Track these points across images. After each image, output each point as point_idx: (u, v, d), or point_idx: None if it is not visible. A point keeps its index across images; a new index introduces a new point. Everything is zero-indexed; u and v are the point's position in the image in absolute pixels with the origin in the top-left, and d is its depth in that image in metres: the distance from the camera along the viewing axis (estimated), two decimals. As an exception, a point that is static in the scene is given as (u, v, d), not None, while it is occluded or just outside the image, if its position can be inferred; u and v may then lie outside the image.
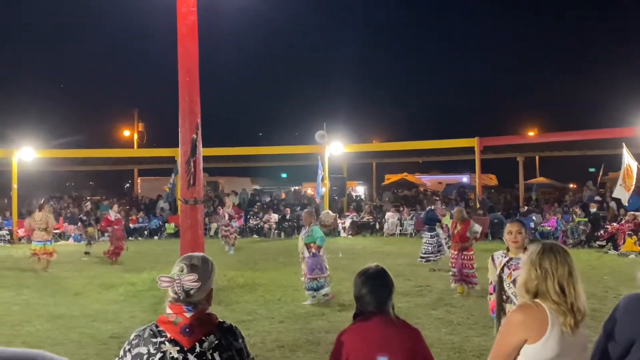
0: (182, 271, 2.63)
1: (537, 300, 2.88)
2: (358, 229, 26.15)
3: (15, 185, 25.76)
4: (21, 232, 24.93)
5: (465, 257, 11.67)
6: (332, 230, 25.61)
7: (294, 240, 23.97)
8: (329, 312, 10.06)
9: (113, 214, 17.84)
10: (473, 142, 25.82)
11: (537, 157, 37.89)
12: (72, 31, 69.79)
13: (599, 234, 20.13)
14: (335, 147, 27.31)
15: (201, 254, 2.81)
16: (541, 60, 71.90)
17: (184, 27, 12.59)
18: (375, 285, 3.20)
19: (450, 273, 12.00)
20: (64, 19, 67.75)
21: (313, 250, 11.03)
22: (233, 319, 9.37)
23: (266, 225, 26.37)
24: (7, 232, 24.83)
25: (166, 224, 26.82)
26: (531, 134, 34.86)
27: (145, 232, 26.25)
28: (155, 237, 26.16)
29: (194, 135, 12.52)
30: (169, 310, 2.61)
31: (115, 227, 17.52)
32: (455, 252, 11.91)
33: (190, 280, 2.59)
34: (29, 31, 67.18)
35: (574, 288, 2.89)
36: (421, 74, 79.20)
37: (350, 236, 25.31)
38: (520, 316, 2.90)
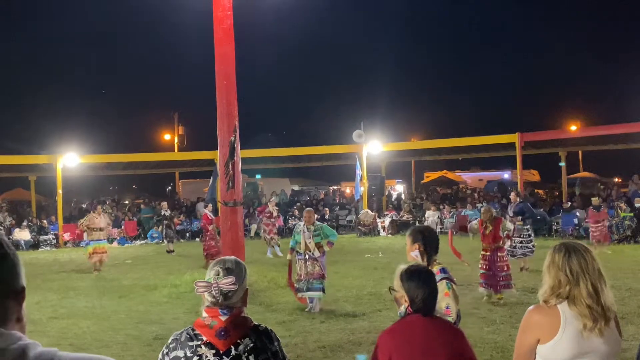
0: (218, 275, 2.66)
1: (551, 301, 2.85)
2: (398, 228, 26.03)
3: (60, 191, 26.34)
4: (67, 236, 25.51)
5: (500, 259, 10.75)
6: (371, 230, 25.59)
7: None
8: (370, 312, 10.04)
9: (209, 214, 18.11)
10: (514, 137, 25.47)
11: (580, 152, 37.19)
12: (112, 38, 71.04)
13: (645, 229, 19.69)
14: (373, 146, 27.25)
15: (233, 257, 2.85)
16: (582, 52, 70.57)
17: (220, 31, 12.72)
18: (420, 283, 3.17)
19: (480, 275, 11.06)
20: (105, 27, 69.05)
21: (326, 248, 10.55)
22: (274, 320, 9.45)
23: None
24: (53, 236, 25.40)
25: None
26: (573, 128, 34.21)
27: (187, 234, 26.57)
28: (197, 239, 26.44)
29: (232, 138, 12.64)
30: (204, 314, 2.65)
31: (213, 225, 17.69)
32: (488, 254, 10.88)
33: (227, 283, 2.62)
34: (70, 39, 68.57)
35: (604, 288, 2.84)
36: (460, 70, 78.50)
37: (389, 235, 25.19)
38: (533, 316, 2.92)
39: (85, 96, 57.47)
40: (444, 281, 3.99)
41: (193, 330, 2.63)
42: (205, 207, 19.27)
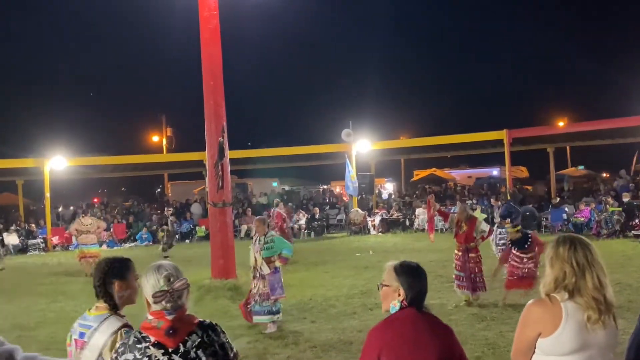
0: (169, 280, 2.75)
1: (553, 295, 2.85)
2: (388, 226, 26.04)
3: (48, 194, 26.16)
4: (55, 240, 25.33)
5: (472, 260, 10.30)
6: (361, 229, 25.60)
7: (324, 240, 24.03)
8: (361, 311, 10.04)
9: (283, 212, 17.99)
10: (502, 134, 25.53)
11: (568, 147, 37.34)
12: (98, 39, 70.72)
13: (633, 223, 19.76)
14: (362, 145, 27.27)
15: (166, 261, 2.94)
16: (568, 47, 70.83)
17: (207, 31, 12.69)
18: (417, 277, 3.17)
19: (454, 276, 10.58)
20: (91, 28, 68.75)
21: (277, 264, 9.09)
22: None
23: (295, 226, 26.37)
24: (42, 240, 25.22)
25: (197, 227, 27.01)
26: (561, 124, 34.35)
27: (177, 236, 26.42)
28: (187, 241, 26.35)
29: (221, 139, 12.60)
30: (150, 317, 2.73)
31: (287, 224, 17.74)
32: (460, 254, 10.44)
33: (182, 285, 2.75)
34: (57, 41, 68.21)
35: (607, 281, 2.86)
36: (447, 67, 78.60)
37: (380, 234, 25.20)
38: (534, 310, 2.90)
39: (72, 99, 57.10)
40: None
41: (140, 333, 2.70)
42: (277, 206, 19.16)
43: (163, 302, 2.70)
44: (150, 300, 2.75)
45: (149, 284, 2.77)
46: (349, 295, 11.46)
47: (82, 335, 3.28)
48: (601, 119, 26.25)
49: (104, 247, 24.72)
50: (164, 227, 22.57)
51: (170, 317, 2.69)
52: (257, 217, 10.33)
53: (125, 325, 3.22)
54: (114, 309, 3.30)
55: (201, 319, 2.81)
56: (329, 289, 12.20)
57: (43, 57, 65.31)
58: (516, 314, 8.99)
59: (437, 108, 58.05)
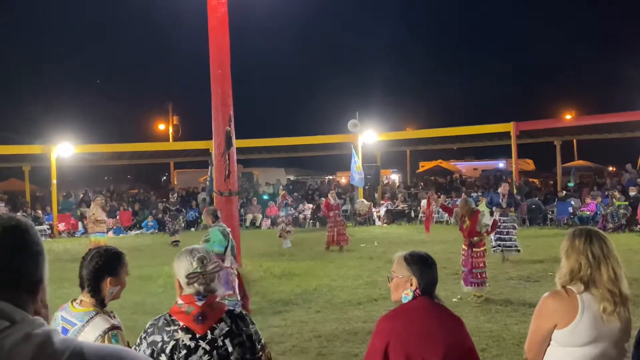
0: (202, 262, 2.76)
1: (569, 286, 2.86)
2: (393, 217, 26.03)
3: (54, 181, 26.25)
4: (61, 226, 25.43)
5: (476, 255, 10.02)
6: (366, 219, 25.60)
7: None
8: (366, 301, 10.04)
9: (332, 199, 18.09)
10: (509, 127, 25.45)
11: (574, 141, 37.19)
12: (106, 27, 70.70)
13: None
14: (368, 136, 27.22)
15: (199, 245, 3.03)
16: (577, 41, 70.48)
17: (215, 19, 12.67)
18: (428, 266, 3.16)
19: (461, 273, 10.34)
20: (99, 16, 68.68)
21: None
22: (270, 310, 9.45)
23: (301, 216, 26.41)
24: (48, 226, 25.33)
25: (202, 216, 27.00)
26: (568, 117, 34.19)
27: (183, 224, 26.46)
28: (192, 229, 26.39)
29: (228, 128, 12.61)
30: (180, 301, 2.76)
31: (335, 212, 17.58)
32: (465, 248, 10.19)
33: (215, 268, 2.77)
34: (64, 28, 68.23)
35: (622, 274, 2.88)
36: (454, 59, 78.32)
37: (385, 225, 25.20)
38: (550, 302, 2.92)
39: (80, 86, 57.26)
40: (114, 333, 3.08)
41: (170, 316, 2.74)
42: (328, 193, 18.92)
43: (196, 285, 2.72)
44: (183, 281, 2.76)
45: (182, 267, 2.79)
46: (353, 285, 11.47)
47: (65, 331, 3.08)
48: (609, 112, 26.14)
49: (110, 233, 24.79)
50: (169, 212, 22.66)
51: (200, 303, 2.71)
52: (206, 208, 10.06)
53: (114, 327, 3.06)
54: (101, 305, 3.14)
55: (231, 308, 2.83)
56: (334, 279, 12.21)
57: (51, 44, 65.39)
58: (520, 307, 9.04)
59: (444, 100, 57.91)
